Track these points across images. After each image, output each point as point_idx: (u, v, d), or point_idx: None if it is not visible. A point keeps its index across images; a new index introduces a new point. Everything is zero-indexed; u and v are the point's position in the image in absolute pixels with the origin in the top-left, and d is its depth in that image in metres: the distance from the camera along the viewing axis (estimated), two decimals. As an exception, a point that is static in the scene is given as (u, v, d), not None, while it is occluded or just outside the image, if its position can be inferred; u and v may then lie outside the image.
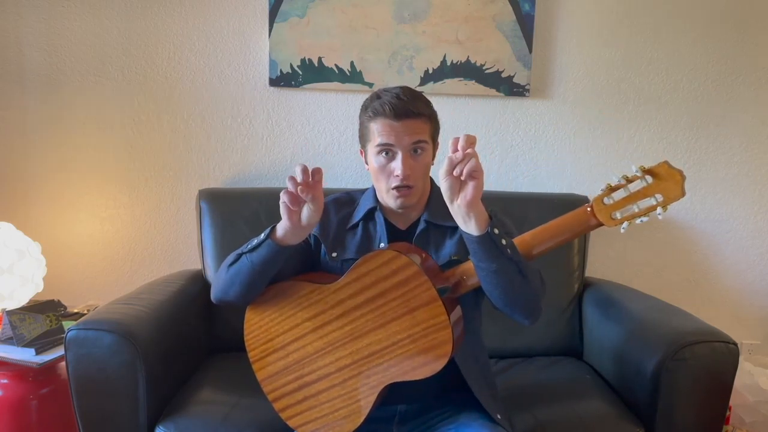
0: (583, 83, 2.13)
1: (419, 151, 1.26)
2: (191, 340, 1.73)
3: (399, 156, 1.25)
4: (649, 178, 1.09)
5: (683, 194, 1.07)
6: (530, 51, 2.06)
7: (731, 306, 2.23)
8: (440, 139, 1.36)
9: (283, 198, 1.12)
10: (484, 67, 2.08)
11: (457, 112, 2.11)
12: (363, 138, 1.32)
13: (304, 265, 1.35)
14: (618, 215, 1.11)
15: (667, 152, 2.15)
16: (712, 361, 1.44)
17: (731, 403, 1.77)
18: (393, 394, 1.22)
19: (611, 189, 1.12)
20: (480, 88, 2.08)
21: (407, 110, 1.24)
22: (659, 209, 1.08)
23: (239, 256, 1.23)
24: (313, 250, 1.37)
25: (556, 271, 1.91)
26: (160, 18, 2.04)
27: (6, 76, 2.04)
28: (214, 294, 1.31)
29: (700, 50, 2.13)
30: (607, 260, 2.19)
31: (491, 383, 1.36)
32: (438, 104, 1.36)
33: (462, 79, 2.08)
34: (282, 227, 1.16)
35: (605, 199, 1.13)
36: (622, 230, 1.11)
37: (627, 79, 2.13)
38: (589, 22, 2.10)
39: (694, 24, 2.11)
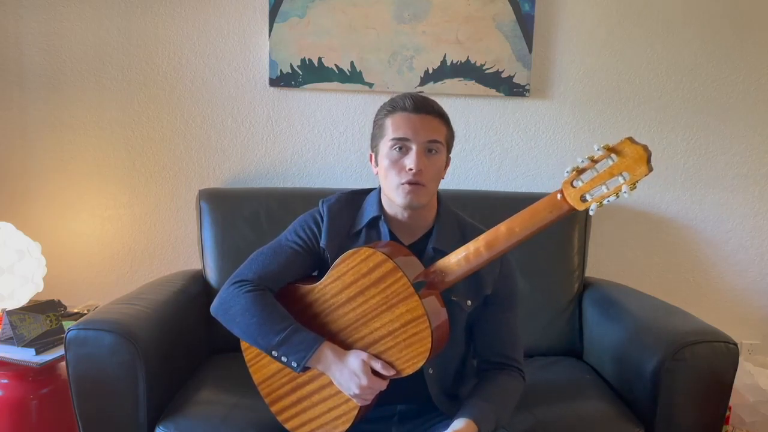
0: (582, 83, 2.13)
1: (434, 151, 1.23)
2: (191, 340, 1.73)
3: (413, 150, 1.21)
4: (614, 157, 1.02)
5: (649, 170, 1.00)
6: (530, 51, 2.06)
7: (731, 306, 2.23)
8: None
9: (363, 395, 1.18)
10: (484, 67, 2.07)
11: (457, 112, 2.11)
12: (375, 137, 1.28)
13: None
14: (588, 198, 1.06)
15: (667, 152, 2.15)
16: (712, 361, 1.44)
17: (731, 403, 1.77)
18: (392, 393, 1.22)
19: (579, 171, 1.06)
20: (480, 88, 2.08)
21: (427, 105, 1.23)
22: (625, 188, 1.01)
23: (267, 341, 1.21)
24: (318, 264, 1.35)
25: (556, 271, 1.91)
26: (160, 18, 2.04)
27: (6, 76, 2.03)
28: (217, 314, 1.28)
29: (700, 50, 2.13)
30: (607, 260, 2.18)
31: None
32: (438, 104, 1.36)
33: (462, 79, 2.08)
34: (329, 368, 1.20)
35: (574, 182, 1.07)
36: (591, 212, 1.06)
37: (627, 79, 2.13)
38: (589, 22, 2.10)
39: (694, 24, 2.11)
